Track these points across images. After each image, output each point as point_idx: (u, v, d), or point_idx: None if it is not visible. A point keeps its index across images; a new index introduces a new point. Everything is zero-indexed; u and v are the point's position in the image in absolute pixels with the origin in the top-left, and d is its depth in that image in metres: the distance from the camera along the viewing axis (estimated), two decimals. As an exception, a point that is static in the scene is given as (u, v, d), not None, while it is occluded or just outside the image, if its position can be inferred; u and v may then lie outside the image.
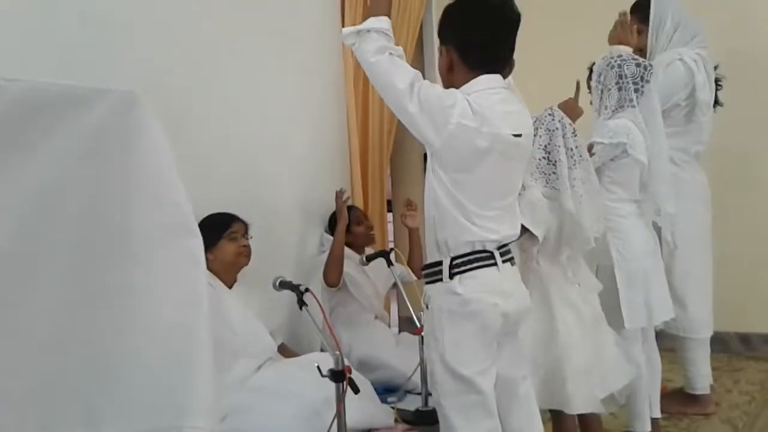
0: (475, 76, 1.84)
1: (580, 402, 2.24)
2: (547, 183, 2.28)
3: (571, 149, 2.28)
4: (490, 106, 1.79)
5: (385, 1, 1.83)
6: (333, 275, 3.37)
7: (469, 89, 1.82)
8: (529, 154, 1.98)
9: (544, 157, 2.26)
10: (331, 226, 3.63)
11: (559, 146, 2.27)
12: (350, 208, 3.67)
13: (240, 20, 3.19)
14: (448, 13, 1.91)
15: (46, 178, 0.95)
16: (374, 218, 3.93)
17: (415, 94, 1.74)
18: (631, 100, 2.59)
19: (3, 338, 0.93)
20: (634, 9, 3.16)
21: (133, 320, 1.00)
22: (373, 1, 1.86)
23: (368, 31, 1.77)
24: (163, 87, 2.56)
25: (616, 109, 2.60)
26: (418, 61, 4.32)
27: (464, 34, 1.86)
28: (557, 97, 2.51)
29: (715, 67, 3.16)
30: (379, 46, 1.76)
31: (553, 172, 2.27)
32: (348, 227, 3.57)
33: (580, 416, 2.36)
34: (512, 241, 1.90)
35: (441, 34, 1.92)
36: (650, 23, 3.09)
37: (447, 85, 1.90)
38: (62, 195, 0.97)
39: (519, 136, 1.84)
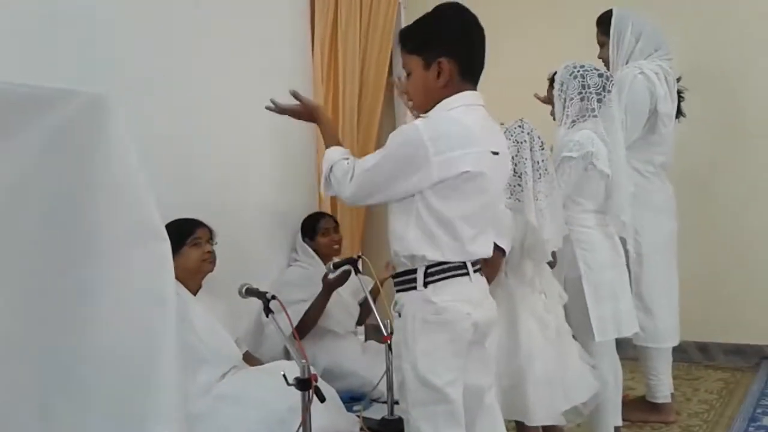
0: (463, 89, 1.84)
1: (541, 413, 2.25)
2: (512, 195, 2.29)
3: (538, 162, 2.29)
4: (473, 121, 1.80)
5: (333, 136, 2.01)
6: (303, 331, 3.29)
7: (452, 104, 1.81)
8: (507, 172, 1.99)
9: (510, 169, 2.28)
10: (305, 232, 3.60)
11: (526, 159, 2.28)
12: (321, 216, 3.65)
13: (206, 22, 3.16)
14: (435, 26, 1.87)
15: (8, 177, 0.93)
16: (344, 225, 3.91)
17: (389, 171, 1.80)
18: (593, 110, 2.61)
19: None
20: (599, 22, 3.23)
21: (95, 322, 0.98)
22: (325, 137, 2.05)
23: (330, 170, 1.90)
24: (127, 91, 2.52)
25: (577, 119, 2.63)
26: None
27: (462, 46, 1.84)
28: (512, 109, 2.53)
29: (678, 79, 3.23)
30: (341, 175, 1.87)
31: (518, 184, 2.29)
32: (313, 235, 3.56)
33: (544, 427, 2.37)
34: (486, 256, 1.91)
35: (428, 46, 1.84)
36: (610, 36, 3.15)
37: (431, 99, 1.85)
38: (24, 195, 0.95)
39: (497, 153, 1.85)
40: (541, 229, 2.27)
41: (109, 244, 1.00)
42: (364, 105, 4.13)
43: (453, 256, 1.80)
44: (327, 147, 1.98)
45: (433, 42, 1.85)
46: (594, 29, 3.26)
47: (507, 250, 2.21)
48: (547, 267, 2.44)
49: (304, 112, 2.15)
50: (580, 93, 2.61)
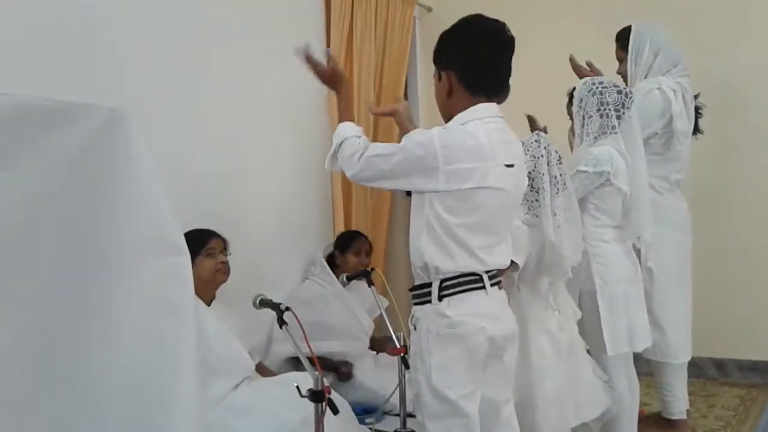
0: (474, 101, 1.85)
1: (549, 429, 2.23)
2: (529, 210, 2.28)
3: (555, 177, 2.28)
4: (486, 135, 1.80)
5: (348, 111, 2.01)
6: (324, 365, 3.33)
7: (465, 118, 1.83)
8: (523, 185, 1.98)
9: (527, 184, 2.27)
10: (339, 244, 3.63)
11: (543, 174, 2.26)
12: (360, 235, 3.66)
13: (221, 35, 3.17)
14: (446, 39, 1.92)
15: (29, 192, 0.94)
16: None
17: (397, 163, 1.80)
18: (613, 127, 2.60)
19: None
20: (618, 37, 3.24)
21: (113, 336, 0.98)
22: (341, 110, 2.03)
23: (340, 145, 1.90)
24: (141, 102, 2.54)
25: (598, 135, 2.62)
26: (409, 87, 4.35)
27: (464, 59, 1.86)
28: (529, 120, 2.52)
29: (696, 96, 3.22)
30: (351, 152, 1.87)
31: (536, 200, 2.27)
32: (345, 250, 3.57)
33: None
34: (501, 270, 1.91)
35: (438, 59, 1.91)
36: (629, 51, 3.14)
37: (445, 111, 1.91)
38: (45, 210, 0.96)
39: (512, 166, 1.85)
40: (560, 246, 2.25)
41: (129, 258, 1.01)
42: (381, 118, 4.14)
43: (466, 267, 1.80)
44: (340, 121, 1.98)
45: (441, 55, 1.91)
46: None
47: (520, 265, 2.20)
48: (562, 283, 2.42)
49: (330, 76, 2.12)
50: (599, 110, 2.61)
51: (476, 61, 1.85)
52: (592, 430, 2.44)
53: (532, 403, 2.20)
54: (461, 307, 1.79)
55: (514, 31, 1.90)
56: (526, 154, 2.23)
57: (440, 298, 1.79)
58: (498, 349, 1.86)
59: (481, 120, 1.83)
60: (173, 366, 1.01)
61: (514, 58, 1.90)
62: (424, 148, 1.77)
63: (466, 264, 1.80)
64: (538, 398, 2.21)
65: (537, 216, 2.26)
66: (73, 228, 0.98)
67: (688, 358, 3.17)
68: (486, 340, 1.81)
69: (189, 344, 1.02)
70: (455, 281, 1.80)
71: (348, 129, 1.93)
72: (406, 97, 4.28)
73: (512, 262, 2.13)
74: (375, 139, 4.03)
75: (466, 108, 1.84)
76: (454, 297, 1.79)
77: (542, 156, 2.27)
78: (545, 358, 2.26)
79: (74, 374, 0.97)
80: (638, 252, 2.88)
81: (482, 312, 1.81)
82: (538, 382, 2.23)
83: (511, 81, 1.92)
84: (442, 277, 1.79)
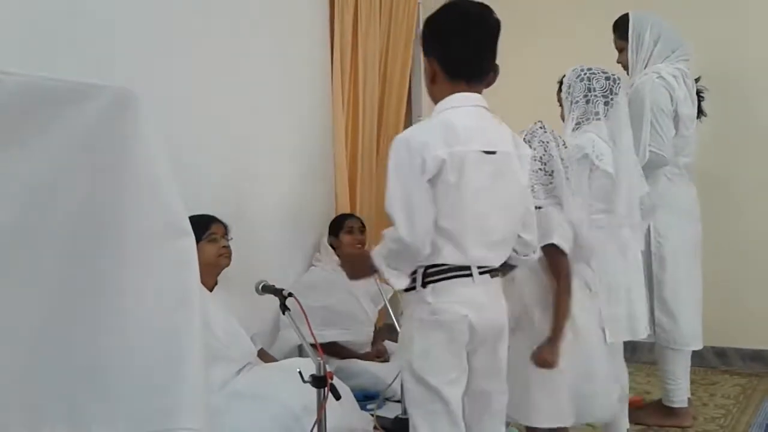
0: (454, 89, 1.84)
1: (544, 416, 2.23)
2: (548, 194, 2.27)
3: (563, 160, 2.28)
4: (461, 124, 1.79)
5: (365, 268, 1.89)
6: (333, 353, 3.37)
7: (442, 107, 1.84)
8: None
9: (540, 168, 2.24)
10: (331, 230, 3.67)
11: (554, 156, 2.26)
12: (349, 216, 3.72)
13: (223, 21, 3.16)
14: (428, 25, 1.91)
15: (38, 174, 0.93)
16: (370, 229, 3.88)
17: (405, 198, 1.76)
18: (597, 114, 2.58)
19: None
20: (615, 27, 3.22)
21: (122, 319, 0.98)
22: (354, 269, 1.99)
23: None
24: (149, 87, 2.53)
25: (582, 121, 2.60)
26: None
27: (445, 46, 1.85)
28: (526, 109, 2.51)
29: (697, 79, 3.21)
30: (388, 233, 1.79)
31: (551, 183, 2.27)
32: (338, 233, 3.62)
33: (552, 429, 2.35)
34: (491, 266, 1.87)
35: (423, 46, 1.92)
36: (629, 40, 3.12)
37: (432, 97, 1.92)
38: (54, 192, 0.95)
39: (493, 153, 1.83)
40: (580, 225, 2.25)
41: (137, 242, 1.00)
42: (388, 104, 4.13)
43: (453, 260, 1.79)
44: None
45: (424, 41, 1.91)
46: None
47: (567, 251, 2.18)
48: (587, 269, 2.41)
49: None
50: (586, 96, 2.59)
51: (455, 47, 1.83)
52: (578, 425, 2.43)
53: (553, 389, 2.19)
54: (444, 294, 1.79)
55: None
56: (533, 141, 2.22)
57: (424, 284, 1.79)
58: (485, 340, 1.84)
59: (459, 108, 1.82)
60: (180, 348, 1.02)
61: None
62: (400, 154, 1.76)
63: (451, 257, 1.79)
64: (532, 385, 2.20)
65: (556, 196, 2.25)
66: (82, 209, 0.98)
67: (699, 347, 3.17)
68: (467, 328, 1.80)
69: (195, 327, 1.03)
70: (439, 269, 1.79)
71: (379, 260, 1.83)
72: (410, 84, 4.27)
73: (558, 249, 2.12)
74: (379, 137, 4.07)
75: (446, 95, 1.84)
76: (438, 284, 1.79)
77: (550, 141, 2.26)
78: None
79: (85, 357, 0.97)
80: (648, 240, 2.89)
81: (466, 300, 1.80)
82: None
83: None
84: (426, 263, 1.79)
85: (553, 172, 2.24)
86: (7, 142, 0.91)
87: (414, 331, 1.80)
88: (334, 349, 3.38)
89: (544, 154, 2.24)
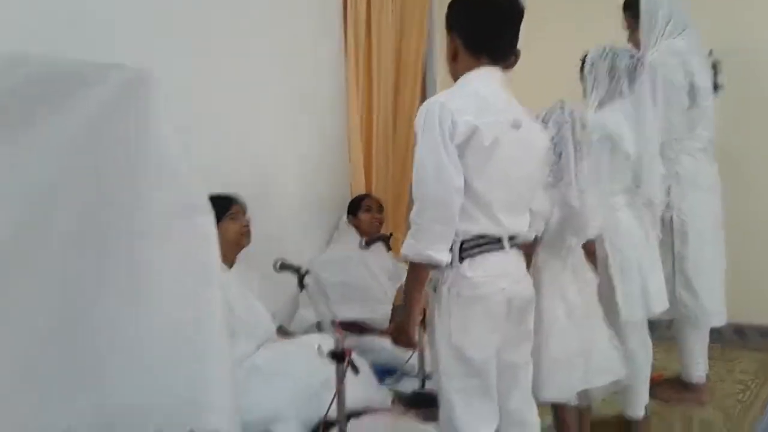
0: (478, 65, 1.86)
1: (552, 392, 2.25)
2: (551, 173, 2.27)
3: (579, 142, 2.27)
4: (491, 95, 1.82)
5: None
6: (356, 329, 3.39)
7: (468, 79, 1.85)
8: (538, 148, 1.97)
9: (550, 148, 2.25)
10: (350, 209, 3.74)
11: (567, 139, 2.26)
12: (367, 195, 3.80)
13: (234, 6, 3.15)
14: (453, 2, 1.93)
15: (58, 151, 0.95)
16: (387, 208, 3.91)
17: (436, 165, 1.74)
18: (621, 92, 2.58)
19: (14, 318, 0.92)
20: (626, 6, 3.18)
21: (143, 296, 0.99)
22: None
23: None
24: (164, 63, 2.54)
25: (605, 100, 2.60)
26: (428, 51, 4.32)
27: (469, 23, 1.88)
28: (550, 90, 2.49)
29: (709, 53, 3.17)
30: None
31: (557, 164, 2.27)
32: (356, 212, 3.70)
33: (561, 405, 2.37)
34: (521, 234, 1.91)
35: (447, 22, 1.94)
36: (641, 18, 3.08)
37: (452, 73, 1.93)
38: (71, 169, 0.96)
39: (518, 125, 1.84)
40: (582, 211, 2.25)
41: (155, 219, 1.01)
42: (404, 85, 4.11)
43: (486, 229, 1.80)
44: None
45: (448, 17, 1.93)
46: None
47: (538, 232, 2.19)
48: (580, 249, 2.42)
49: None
50: (609, 74, 2.59)
51: (480, 20, 1.86)
52: (591, 398, 2.43)
53: (537, 363, 2.21)
54: (481, 267, 1.80)
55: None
56: (548, 121, 2.23)
57: (461, 259, 1.80)
58: (518, 310, 1.87)
59: (482, 81, 1.84)
60: (204, 320, 1.03)
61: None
62: (430, 119, 1.75)
63: (486, 226, 1.80)
64: (544, 358, 2.22)
65: (560, 179, 2.25)
66: (99, 188, 0.99)
67: (722, 323, 3.15)
68: (505, 301, 1.82)
69: (217, 300, 1.04)
70: (475, 242, 1.80)
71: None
72: (423, 65, 4.25)
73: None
74: (394, 124, 4.07)
75: (468, 70, 1.86)
76: (475, 258, 1.80)
77: (567, 122, 2.26)
78: (556, 321, 2.27)
79: (113, 332, 0.98)
80: (671, 217, 2.87)
81: (502, 273, 1.82)
82: (543, 346, 2.23)
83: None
84: (462, 238, 1.80)
85: (561, 154, 2.25)
86: (23, 123, 0.92)
87: (452, 306, 1.80)
88: (352, 326, 3.41)
89: (555, 135, 2.24)
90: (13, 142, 0.92)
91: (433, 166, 1.74)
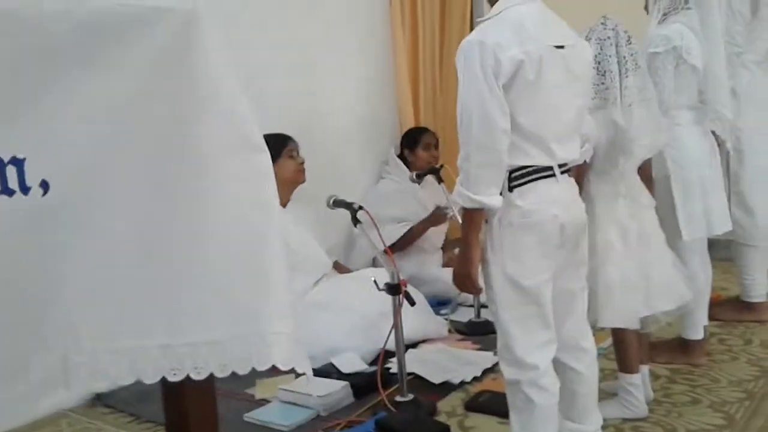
0: None
1: (611, 317, 2.24)
2: (596, 94, 2.21)
3: (624, 57, 2.20)
4: (530, 20, 1.76)
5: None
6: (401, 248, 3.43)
7: (503, 5, 1.80)
8: (584, 67, 1.91)
9: (593, 67, 2.19)
10: (406, 142, 3.68)
11: (610, 56, 2.19)
12: (426, 130, 3.71)
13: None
14: None
15: (118, 94, 0.97)
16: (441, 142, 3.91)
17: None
18: (686, 2, 2.48)
19: (98, 244, 0.98)
20: None
21: (207, 229, 1.02)
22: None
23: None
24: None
25: (669, 11, 2.50)
26: None
27: None
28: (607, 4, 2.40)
29: None
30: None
31: (602, 83, 2.21)
32: (414, 147, 3.63)
33: (630, 332, 2.36)
34: (572, 161, 1.88)
35: None
36: None
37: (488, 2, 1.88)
38: (136, 113, 0.99)
39: (562, 47, 1.80)
40: (628, 127, 2.19)
41: (214, 157, 1.04)
42: (448, 47, 4.02)
43: (536, 160, 1.79)
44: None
45: None
46: None
47: (588, 157, 2.16)
48: (635, 175, 2.37)
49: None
50: None
51: None
52: (658, 321, 2.41)
53: (594, 290, 2.21)
54: (532, 196, 1.79)
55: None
56: (591, 38, 2.16)
57: (510, 188, 1.79)
58: (571, 236, 1.86)
59: (519, 5, 1.79)
60: (264, 252, 1.07)
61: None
62: (471, 57, 1.71)
63: (537, 158, 1.79)
64: (600, 285, 2.21)
65: (605, 99, 2.20)
66: (162, 127, 1.01)
67: None
68: (558, 227, 1.81)
69: (276, 233, 1.07)
70: (524, 171, 1.79)
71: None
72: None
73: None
74: (436, 95, 4.01)
75: None
76: (524, 187, 1.79)
77: (609, 38, 2.18)
78: (611, 247, 2.25)
79: (180, 263, 1.02)
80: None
81: (553, 200, 1.81)
82: (600, 272, 2.22)
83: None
84: (511, 168, 1.79)
85: (605, 72, 2.18)
86: (86, 66, 0.94)
87: (504, 236, 1.80)
88: (408, 237, 3.46)
89: (599, 53, 2.17)
90: (78, 84, 0.96)
91: (478, 109, 1.72)
